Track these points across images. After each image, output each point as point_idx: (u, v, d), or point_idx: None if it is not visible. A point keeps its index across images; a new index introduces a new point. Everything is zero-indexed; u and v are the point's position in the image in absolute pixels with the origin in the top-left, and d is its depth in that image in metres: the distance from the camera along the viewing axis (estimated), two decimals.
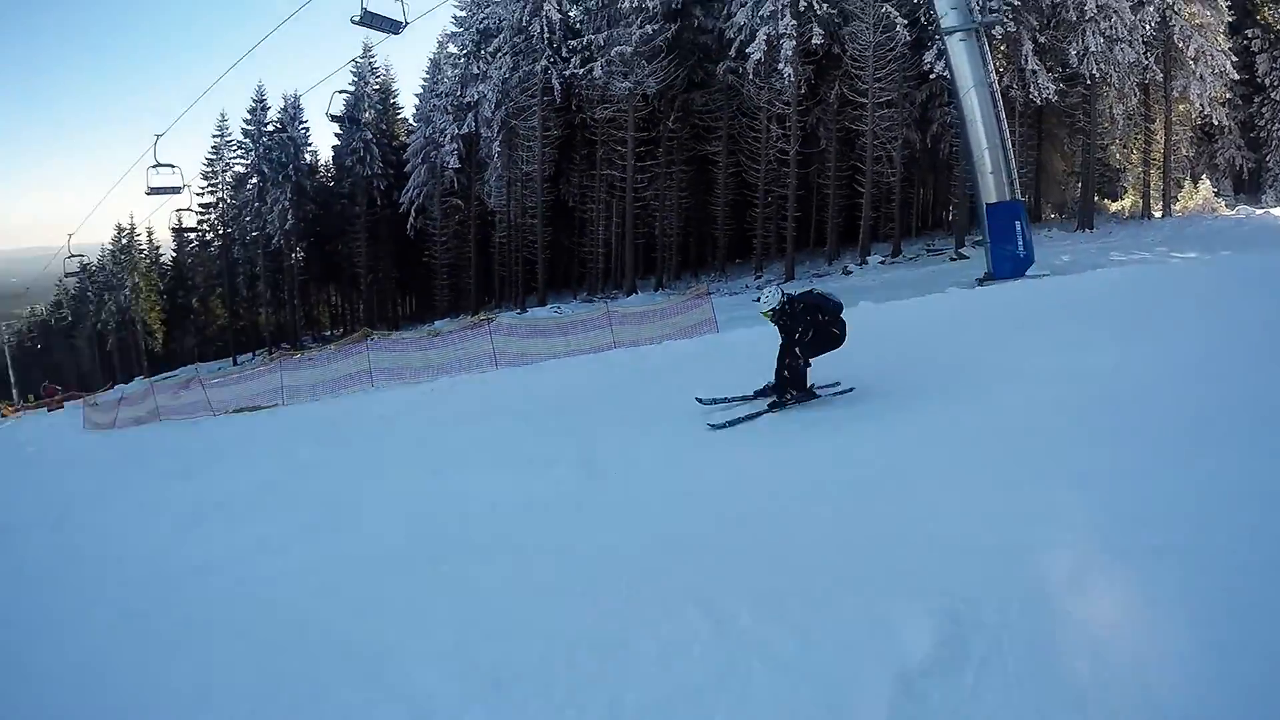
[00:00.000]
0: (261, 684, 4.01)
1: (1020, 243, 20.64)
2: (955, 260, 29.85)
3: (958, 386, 7.07)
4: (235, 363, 44.78)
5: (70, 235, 43.77)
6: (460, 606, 4.29)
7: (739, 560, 4.00)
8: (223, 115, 47.87)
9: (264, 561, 6.05)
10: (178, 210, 45.62)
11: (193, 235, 51.76)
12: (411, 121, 44.42)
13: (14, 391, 62.79)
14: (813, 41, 32.10)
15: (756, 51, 32.52)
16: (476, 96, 39.08)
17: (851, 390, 7.76)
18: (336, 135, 45.48)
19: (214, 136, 47.76)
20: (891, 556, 3.68)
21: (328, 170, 48.05)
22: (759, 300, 7.90)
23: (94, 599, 6.40)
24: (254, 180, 46.32)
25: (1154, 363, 6.41)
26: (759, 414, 7.68)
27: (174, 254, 56.03)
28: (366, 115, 44.95)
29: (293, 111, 45.93)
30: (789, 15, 32.28)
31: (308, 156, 46.89)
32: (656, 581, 3.99)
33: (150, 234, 57.48)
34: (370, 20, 27.17)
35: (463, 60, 40.89)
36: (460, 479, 7.22)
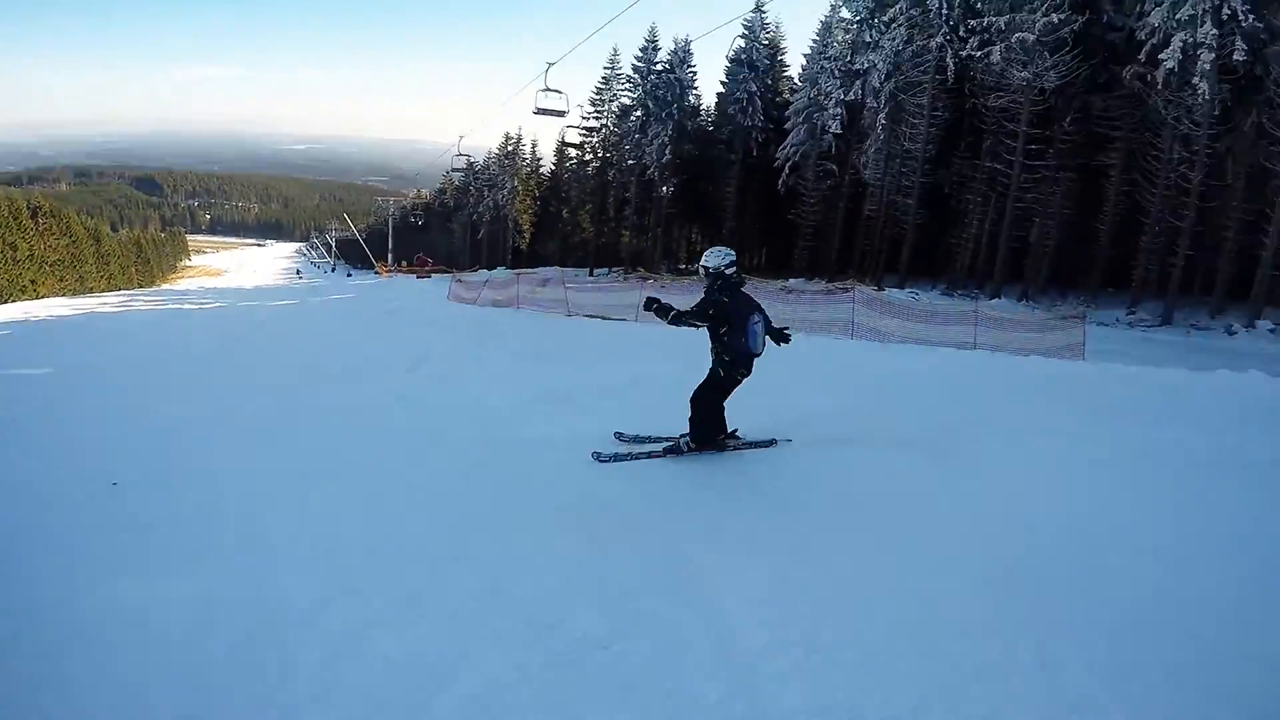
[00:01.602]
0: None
1: None
2: None
3: None
4: (591, 274, 52.44)
5: (461, 137, 51.61)
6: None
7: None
8: (615, 50, 56.41)
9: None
10: (566, 127, 53.67)
11: (574, 153, 61.28)
12: (796, 81, 48.22)
13: (389, 255, 78.11)
14: (1234, 57, 30.24)
15: (1170, 60, 31.18)
16: (865, 65, 41.58)
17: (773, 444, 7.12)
18: (722, 84, 50.75)
19: (605, 69, 55.90)
20: None
21: (709, 115, 53.65)
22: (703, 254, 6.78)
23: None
24: (638, 113, 53.21)
25: None
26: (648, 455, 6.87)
27: (553, 167, 66.66)
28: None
29: (682, 54, 52.06)
30: (1209, 23, 30.65)
31: (692, 99, 52.76)
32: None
33: (534, 146, 68.54)
34: None
35: (855, 26, 43.86)
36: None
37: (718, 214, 51.71)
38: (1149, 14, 32.73)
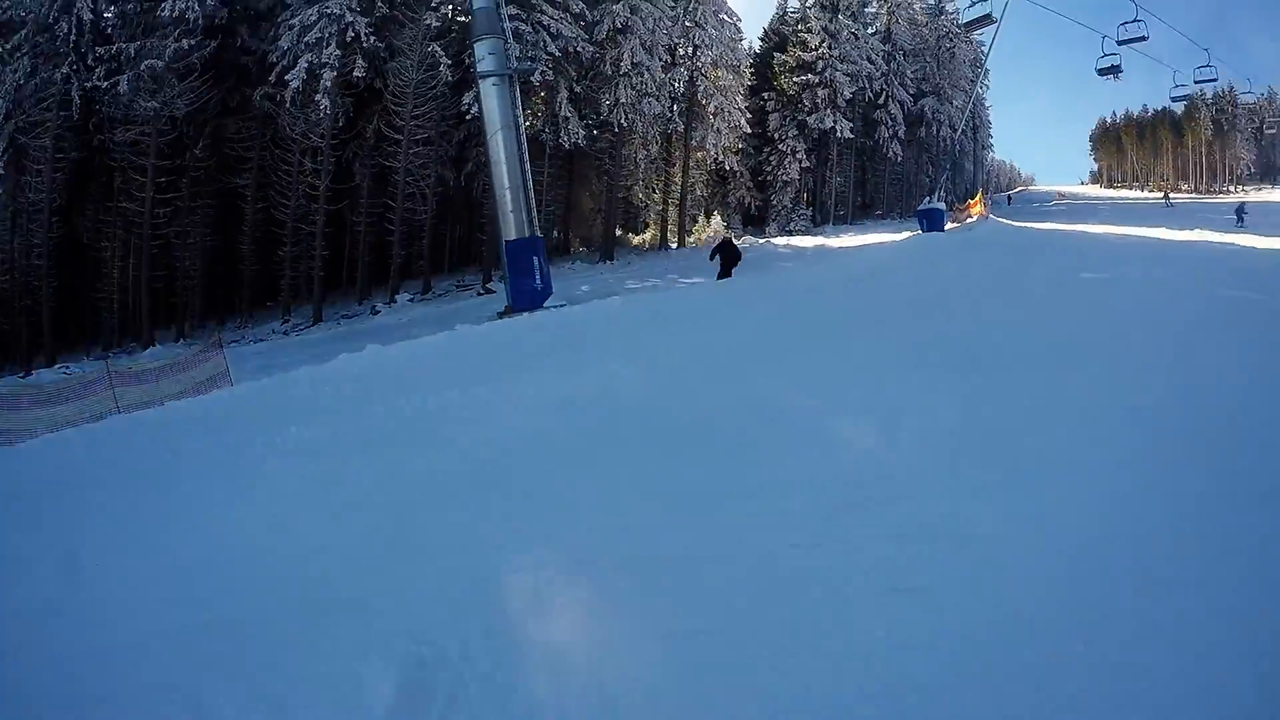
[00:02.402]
0: None
1: (538, 276, 22.01)
2: (482, 295, 32.37)
3: (426, 428, 7.14)
4: None
5: None
6: None
7: (221, 645, 3.73)
8: None
9: None
10: None
11: None
12: None
13: None
14: (355, 74, 32.16)
15: (296, 80, 31.76)
16: None
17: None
18: None
19: None
20: (363, 608, 3.70)
21: None
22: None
23: None
24: None
25: (636, 382, 7.17)
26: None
27: None
28: None
29: None
30: (335, 45, 32.04)
31: None
32: (140, 680, 3.60)
33: None
34: None
35: None
36: None
37: None
38: (280, 38, 33.04)
